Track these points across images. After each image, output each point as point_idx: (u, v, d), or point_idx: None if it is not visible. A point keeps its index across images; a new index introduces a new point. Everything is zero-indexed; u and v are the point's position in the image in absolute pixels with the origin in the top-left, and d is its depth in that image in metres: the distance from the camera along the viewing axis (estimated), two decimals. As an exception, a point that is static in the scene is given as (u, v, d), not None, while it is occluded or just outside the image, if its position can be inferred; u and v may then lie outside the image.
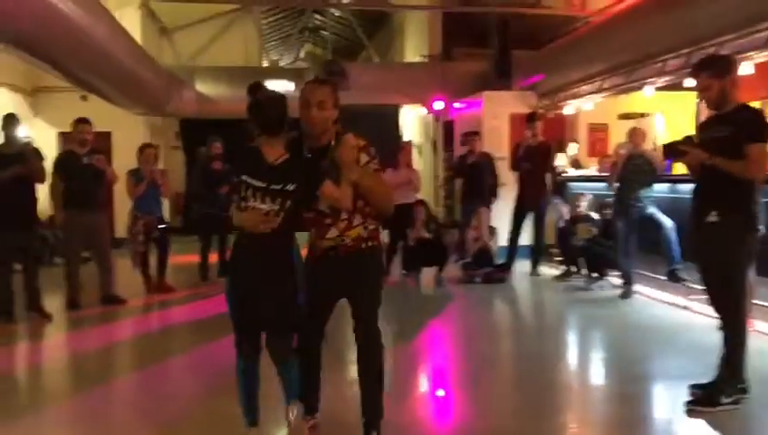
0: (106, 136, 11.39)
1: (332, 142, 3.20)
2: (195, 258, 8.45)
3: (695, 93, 9.76)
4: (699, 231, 3.88)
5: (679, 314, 6.26)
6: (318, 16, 18.02)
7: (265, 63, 15.57)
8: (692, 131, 8.16)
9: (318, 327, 3.36)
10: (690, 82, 7.53)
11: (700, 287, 6.06)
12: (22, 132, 6.80)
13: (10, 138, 6.21)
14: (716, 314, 3.86)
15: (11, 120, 6.26)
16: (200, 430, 3.73)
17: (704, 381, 3.81)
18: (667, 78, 7.25)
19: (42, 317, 6.25)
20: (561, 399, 4.30)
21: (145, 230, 7.47)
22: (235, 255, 3.25)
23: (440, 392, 4.42)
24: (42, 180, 6.31)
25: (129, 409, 4.16)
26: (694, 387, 3.85)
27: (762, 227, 3.75)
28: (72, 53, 6.93)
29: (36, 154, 6.28)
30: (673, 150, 4.06)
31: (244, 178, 3.15)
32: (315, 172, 3.15)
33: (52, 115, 11.66)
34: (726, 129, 3.73)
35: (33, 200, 6.25)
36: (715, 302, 3.86)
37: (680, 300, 6.46)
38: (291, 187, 3.14)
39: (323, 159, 3.18)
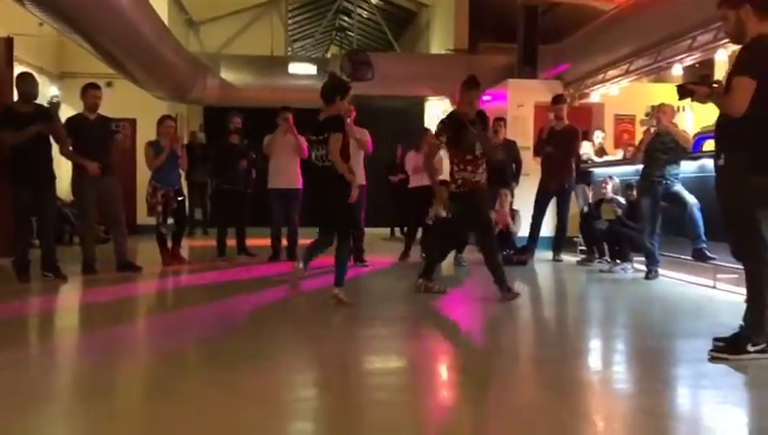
0: (131, 123, 11.51)
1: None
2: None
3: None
4: (715, 176, 3.72)
5: (705, 291, 6.07)
6: (345, 17, 18.13)
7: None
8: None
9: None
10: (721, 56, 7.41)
11: (727, 265, 6.00)
12: (52, 92, 6.80)
13: (25, 95, 6.22)
14: (738, 260, 3.69)
15: (24, 77, 6.30)
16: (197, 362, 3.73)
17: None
18: (696, 55, 7.07)
19: (56, 277, 6.25)
20: (581, 350, 4.17)
21: (163, 201, 7.47)
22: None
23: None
24: (61, 140, 6.33)
25: (131, 342, 4.21)
26: (717, 339, 3.67)
27: None
28: (95, 17, 7.00)
29: (56, 114, 6.31)
30: (684, 90, 3.87)
31: (309, 137, 5.09)
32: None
33: (78, 100, 11.80)
34: (733, 64, 3.59)
35: (50, 159, 6.27)
36: (733, 248, 3.69)
37: (707, 281, 6.25)
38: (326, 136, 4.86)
39: (475, 124, 5.53)
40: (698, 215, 6.41)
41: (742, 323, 3.59)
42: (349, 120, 7.85)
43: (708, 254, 6.32)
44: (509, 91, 10.10)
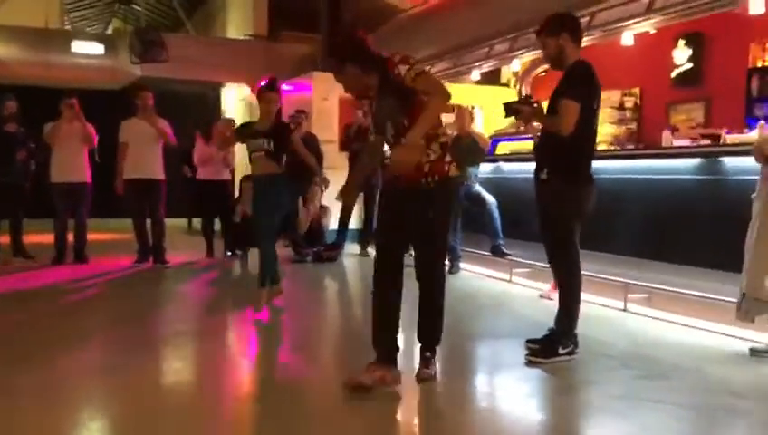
0: None
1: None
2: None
3: (512, 88, 10.48)
4: (536, 189, 3.97)
5: (503, 285, 6.52)
6: (130, -11, 16.73)
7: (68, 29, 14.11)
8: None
9: (390, 263, 3.31)
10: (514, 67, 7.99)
11: (522, 260, 6.52)
12: None
13: None
14: (553, 270, 3.98)
15: None
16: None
17: (536, 337, 3.90)
18: (492, 62, 7.53)
19: None
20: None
21: None
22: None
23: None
24: None
25: None
26: (530, 341, 3.93)
27: (589, 183, 3.86)
28: None
29: None
30: (510, 109, 4.11)
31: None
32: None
33: None
34: (558, 87, 3.84)
35: None
36: (551, 257, 3.97)
37: (503, 275, 6.72)
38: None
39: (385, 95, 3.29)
40: (497, 214, 6.88)
41: (553, 326, 3.87)
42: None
43: (505, 250, 6.82)
44: (314, 83, 10.01)
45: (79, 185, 7.17)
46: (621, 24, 5.77)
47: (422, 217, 3.27)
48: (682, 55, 8.07)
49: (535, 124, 4.34)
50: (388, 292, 3.32)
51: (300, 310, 5.47)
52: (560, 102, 3.64)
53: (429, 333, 3.46)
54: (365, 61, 3.24)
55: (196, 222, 10.71)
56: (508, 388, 3.56)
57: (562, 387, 3.54)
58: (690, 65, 7.97)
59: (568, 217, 3.79)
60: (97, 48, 9.78)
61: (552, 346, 3.79)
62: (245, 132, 5.23)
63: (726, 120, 6.35)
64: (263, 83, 10.76)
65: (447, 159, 3.29)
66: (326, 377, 3.67)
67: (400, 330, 3.41)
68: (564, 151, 3.71)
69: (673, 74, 8.19)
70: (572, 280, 3.86)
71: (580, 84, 3.67)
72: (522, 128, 7.48)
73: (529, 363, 3.75)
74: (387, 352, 3.28)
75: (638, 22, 5.66)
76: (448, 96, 3.19)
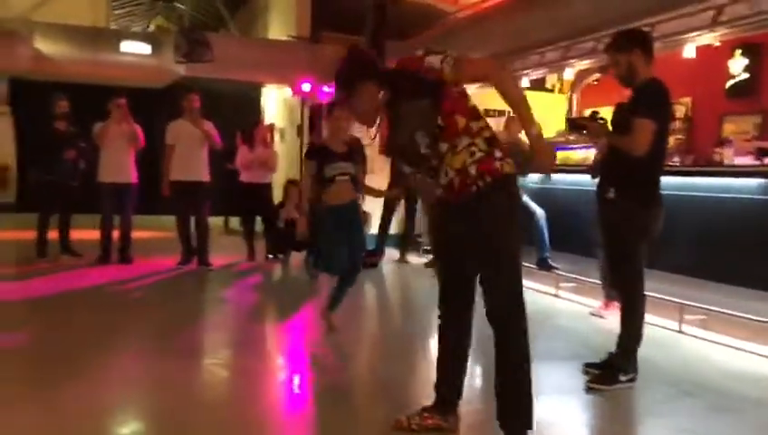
0: None
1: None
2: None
3: (557, 94, 10.30)
4: (600, 208, 3.86)
5: (549, 299, 6.36)
6: (174, -13, 16.86)
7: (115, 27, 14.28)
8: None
9: (452, 295, 2.92)
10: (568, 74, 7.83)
11: (569, 275, 6.37)
12: None
13: None
14: (616, 289, 3.86)
15: None
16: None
17: (593, 360, 3.79)
18: (543, 70, 7.38)
19: None
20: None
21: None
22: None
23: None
24: None
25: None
26: (588, 366, 3.81)
27: (658, 205, 3.74)
28: None
29: None
30: (575, 125, 4.03)
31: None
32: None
33: None
34: (629, 104, 3.71)
35: None
36: (614, 277, 3.86)
37: (550, 288, 6.57)
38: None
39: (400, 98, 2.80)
40: (544, 225, 6.74)
41: (613, 351, 3.74)
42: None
43: (552, 263, 6.67)
44: (356, 86, 9.93)
45: (125, 185, 7.22)
46: (684, 36, 5.57)
47: (477, 232, 2.68)
48: (738, 66, 7.84)
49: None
50: (447, 331, 2.93)
51: (344, 320, 5.41)
52: (634, 121, 3.51)
53: (504, 410, 2.71)
54: (377, 72, 2.82)
55: (233, 221, 10.81)
56: (567, 415, 3.43)
57: (626, 417, 3.43)
58: (746, 76, 7.74)
59: (635, 239, 3.66)
60: (145, 48, 9.86)
61: (614, 372, 3.67)
62: (320, 156, 4.67)
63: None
64: (305, 85, 10.81)
65: (498, 154, 2.70)
66: (372, 391, 3.61)
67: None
68: (636, 172, 3.59)
69: (727, 85, 7.96)
70: (635, 299, 3.74)
71: (654, 104, 3.54)
72: (571, 138, 7.33)
73: (589, 390, 3.63)
74: (442, 400, 2.95)
75: (702, 34, 5.46)
76: (501, 68, 2.80)
